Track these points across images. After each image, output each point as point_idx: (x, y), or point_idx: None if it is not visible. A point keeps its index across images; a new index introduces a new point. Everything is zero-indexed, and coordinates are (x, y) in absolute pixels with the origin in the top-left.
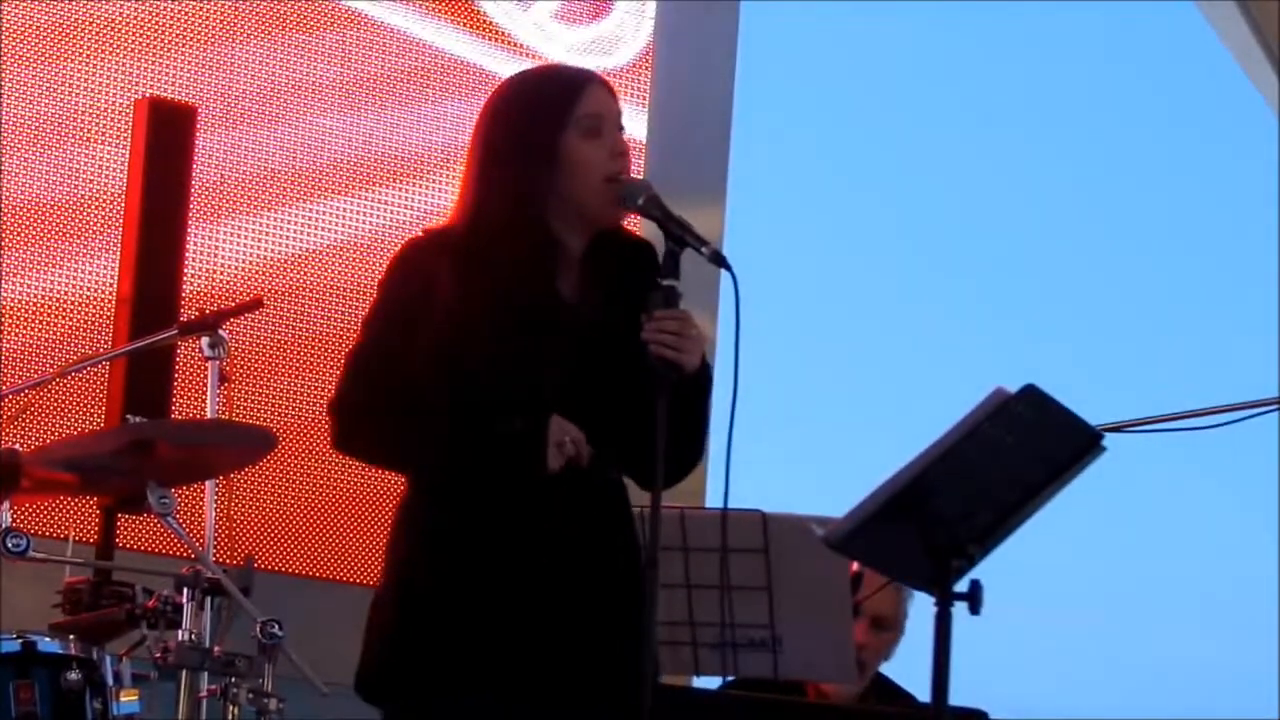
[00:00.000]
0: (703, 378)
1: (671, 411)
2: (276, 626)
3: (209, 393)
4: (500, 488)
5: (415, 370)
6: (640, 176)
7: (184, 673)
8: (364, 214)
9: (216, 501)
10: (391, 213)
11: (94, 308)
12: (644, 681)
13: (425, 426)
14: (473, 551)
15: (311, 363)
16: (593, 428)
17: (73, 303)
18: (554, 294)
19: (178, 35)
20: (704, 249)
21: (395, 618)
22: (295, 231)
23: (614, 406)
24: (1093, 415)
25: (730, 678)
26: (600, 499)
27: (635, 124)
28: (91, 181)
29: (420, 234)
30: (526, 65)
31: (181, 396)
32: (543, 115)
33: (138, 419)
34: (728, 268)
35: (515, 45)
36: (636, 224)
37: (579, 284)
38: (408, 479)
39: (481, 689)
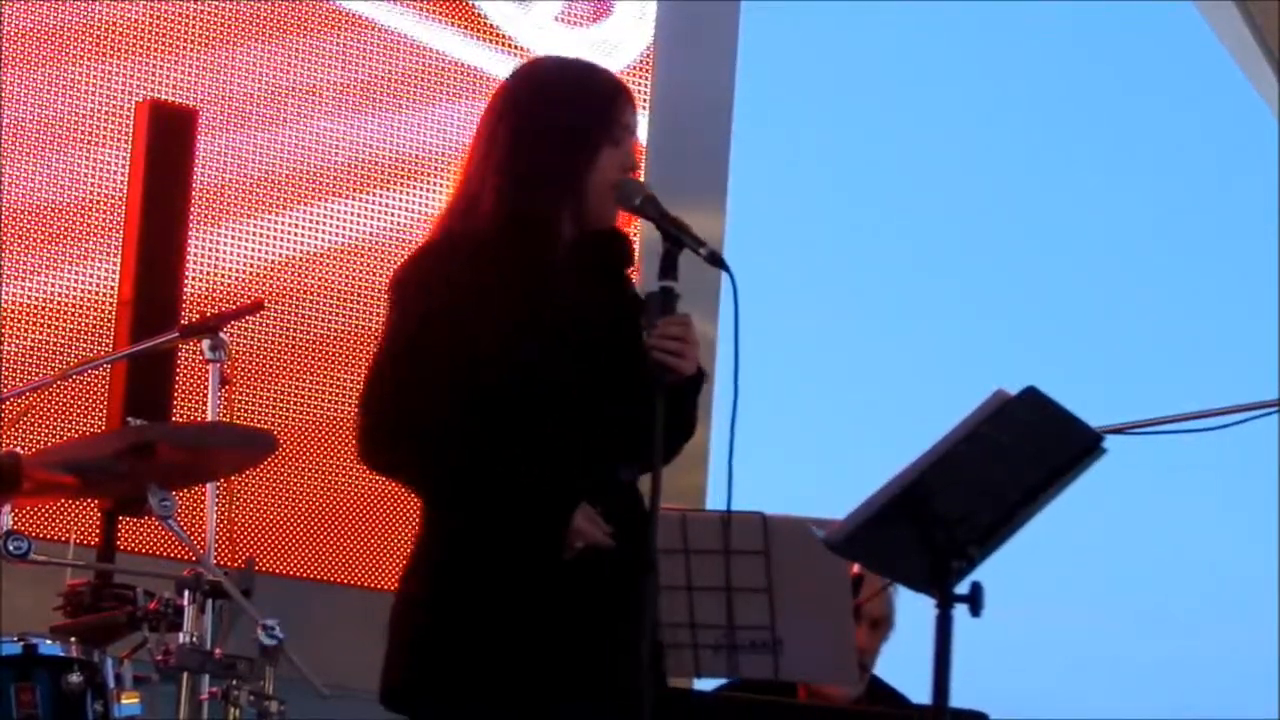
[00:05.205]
0: (697, 381)
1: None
2: (277, 629)
3: (210, 395)
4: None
5: (439, 386)
6: (638, 178)
7: (185, 675)
8: (365, 217)
9: (217, 504)
10: (392, 216)
11: (95, 310)
12: (644, 681)
13: (452, 474)
14: (501, 558)
15: (312, 365)
16: (601, 424)
17: (74, 305)
18: (559, 292)
19: (179, 38)
20: (701, 250)
21: (426, 624)
22: (296, 234)
23: (618, 402)
24: (1093, 417)
25: (729, 679)
26: (617, 503)
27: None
28: (93, 184)
29: (428, 241)
30: None
31: (182, 399)
32: (590, 122)
33: (139, 422)
34: (726, 268)
35: (516, 48)
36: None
37: (572, 281)
38: None
39: (509, 691)
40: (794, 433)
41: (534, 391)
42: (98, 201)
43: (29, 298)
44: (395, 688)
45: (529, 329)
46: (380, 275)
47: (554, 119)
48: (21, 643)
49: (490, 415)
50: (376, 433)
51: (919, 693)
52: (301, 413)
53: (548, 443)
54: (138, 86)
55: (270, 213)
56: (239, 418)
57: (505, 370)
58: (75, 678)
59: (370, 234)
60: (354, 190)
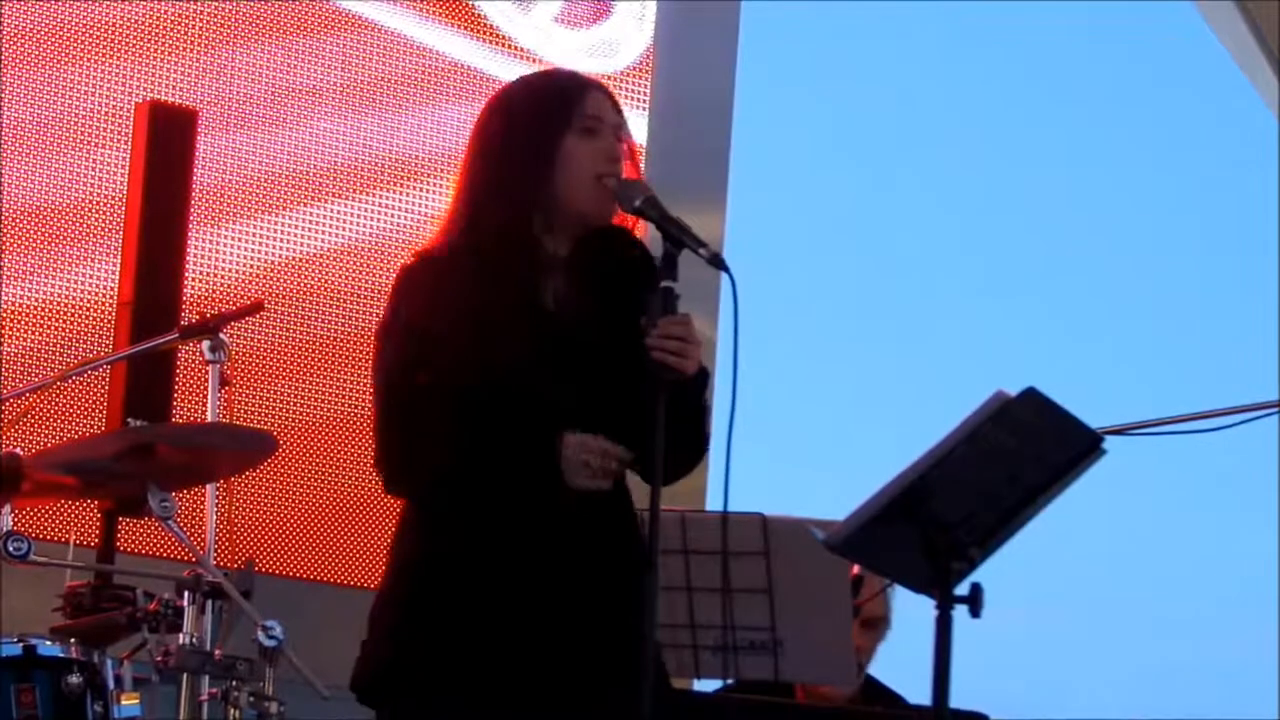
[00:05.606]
0: (700, 380)
1: (669, 413)
2: (277, 630)
3: (210, 396)
4: (521, 509)
5: (436, 402)
6: (639, 178)
7: (185, 676)
8: (365, 218)
9: (217, 505)
10: (392, 217)
11: (95, 311)
12: (644, 684)
13: (465, 485)
14: (478, 555)
15: (312, 366)
16: (596, 425)
17: (74, 306)
18: (536, 302)
19: (179, 39)
20: (702, 251)
21: (399, 619)
22: (296, 235)
23: (609, 408)
24: (1093, 417)
25: (730, 680)
26: (605, 502)
27: (635, 127)
28: (92, 185)
29: (412, 259)
30: (527, 68)
31: (182, 400)
32: (546, 115)
33: (139, 422)
34: (726, 270)
35: (516, 49)
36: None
37: (564, 288)
38: None
39: (483, 691)
40: (794, 433)
41: (528, 395)
42: (98, 202)
43: (29, 298)
44: (366, 683)
45: (519, 336)
46: (380, 275)
47: (511, 123)
48: (21, 643)
49: (486, 422)
50: (396, 479)
51: (919, 693)
52: (301, 413)
53: (543, 444)
54: (138, 86)
55: (270, 213)
56: (239, 418)
57: (496, 379)
58: (75, 679)
59: (370, 234)
60: (354, 191)
